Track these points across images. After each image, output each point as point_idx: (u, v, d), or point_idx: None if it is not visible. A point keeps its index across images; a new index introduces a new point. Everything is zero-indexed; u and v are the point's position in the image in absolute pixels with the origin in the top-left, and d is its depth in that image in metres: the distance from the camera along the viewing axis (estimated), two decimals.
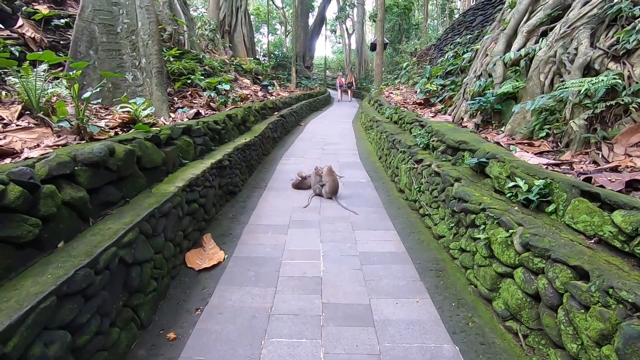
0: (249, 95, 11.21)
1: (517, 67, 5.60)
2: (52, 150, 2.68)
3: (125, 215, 2.81)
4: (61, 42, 5.99)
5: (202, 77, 8.53)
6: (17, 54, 4.61)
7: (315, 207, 5.42)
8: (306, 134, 12.35)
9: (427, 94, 10.06)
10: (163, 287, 3.08)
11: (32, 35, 5.36)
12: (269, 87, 14.54)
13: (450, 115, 7.28)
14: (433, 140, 5.40)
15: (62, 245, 2.30)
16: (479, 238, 3.23)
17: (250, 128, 8.17)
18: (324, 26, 35.12)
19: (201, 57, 11.28)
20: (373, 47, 24.88)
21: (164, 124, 4.88)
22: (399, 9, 29.36)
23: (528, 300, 2.58)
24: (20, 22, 5.47)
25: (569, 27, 4.72)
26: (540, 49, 5.15)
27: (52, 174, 2.35)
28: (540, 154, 4.22)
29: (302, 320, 2.84)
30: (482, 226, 3.26)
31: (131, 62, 5.61)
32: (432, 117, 8.03)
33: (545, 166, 3.51)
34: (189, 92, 7.99)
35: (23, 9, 5.84)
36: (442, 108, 8.33)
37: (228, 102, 8.36)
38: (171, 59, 8.52)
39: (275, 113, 11.82)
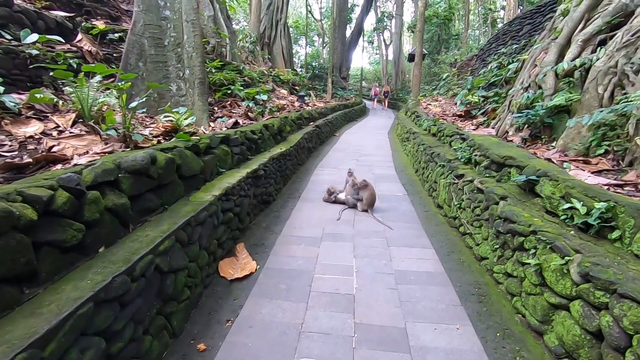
0: (285, 106, 11.37)
1: (571, 79, 5.21)
2: (99, 158, 2.79)
3: (163, 222, 2.85)
4: (114, 54, 6.38)
5: (242, 88, 8.75)
6: (74, 65, 4.95)
7: (348, 220, 5.31)
8: (341, 145, 12.30)
9: (468, 106, 9.68)
10: (196, 296, 3.09)
11: (89, 49, 5.76)
12: (306, 98, 14.70)
13: (493, 128, 6.93)
14: (476, 155, 5.13)
15: (103, 250, 2.35)
16: (529, 263, 2.97)
17: (286, 138, 8.24)
18: (361, 37, 35.22)
19: (241, 68, 11.63)
20: (411, 57, 24.56)
21: (204, 132, 5.00)
22: (439, 20, 28.87)
23: (587, 338, 2.30)
24: (79, 36, 5.90)
25: (633, 34, 4.34)
26: (598, 59, 4.76)
27: (97, 180, 2.43)
28: (598, 172, 3.86)
29: (334, 341, 2.72)
30: (532, 250, 2.99)
31: (176, 74, 5.85)
32: (474, 130, 7.69)
33: (605, 187, 3.18)
34: (229, 102, 8.21)
35: (82, 24, 6.30)
36: (485, 121, 7.96)
37: (265, 112, 8.51)
38: (213, 70, 8.83)
39: (311, 123, 11.88)
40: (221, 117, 6.42)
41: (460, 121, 9.28)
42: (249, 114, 7.68)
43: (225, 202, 3.92)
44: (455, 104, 11.62)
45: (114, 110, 3.64)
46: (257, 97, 8.77)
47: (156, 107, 5.72)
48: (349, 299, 3.29)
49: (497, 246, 3.63)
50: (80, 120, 3.61)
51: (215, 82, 8.77)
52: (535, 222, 3.12)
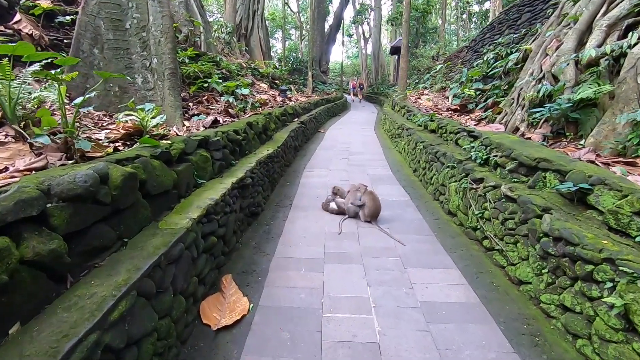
0: (267, 101, 10.47)
1: (597, 68, 4.65)
2: (18, 178, 1.90)
3: (120, 268, 2.00)
4: (65, 40, 5.33)
5: (220, 81, 7.80)
6: None
7: (351, 233, 4.56)
8: (327, 142, 11.53)
9: (464, 100, 9.13)
10: None
11: (30, 32, 4.70)
12: (288, 92, 13.81)
13: (501, 124, 6.35)
14: (495, 156, 4.49)
15: (16, 331, 1.50)
16: (604, 301, 2.32)
17: (271, 137, 7.39)
18: (340, 31, 34.44)
19: (218, 59, 10.62)
20: (393, 50, 24.04)
21: (177, 134, 4.11)
22: (417, 12, 28.42)
23: None
24: (17, 17, 4.82)
25: None
26: (632, 45, 4.21)
27: (6, 219, 1.55)
28: None
29: None
30: (609, 284, 2.34)
31: (141, 63, 4.89)
32: (475, 125, 7.11)
33: None
34: (205, 97, 7.26)
35: (22, 2, 5.20)
36: (486, 115, 7.40)
37: (247, 108, 7.61)
38: (186, 61, 7.83)
39: (295, 119, 11.04)
40: (197, 115, 5.51)
41: (457, 116, 8.71)
42: (230, 110, 6.77)
43: (207, 224, 3.09)
44: (447, 97, 11.09)
45: (51, 109, 2.71)
46: (238, 91, 7.86)
47: (118, 103, 4.77)
48: (373, 350, 2.55)
49: (545, 271, 2.98)
50: (5, 121, 2.66)
51: (190, 74, 7.78)
52: (606, 245, 2.47)
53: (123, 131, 3.49)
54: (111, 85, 4.81)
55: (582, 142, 4.40)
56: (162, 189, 2.85)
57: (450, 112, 9.33)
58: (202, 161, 3.77)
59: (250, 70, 14.45)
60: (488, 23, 10.02)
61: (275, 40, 42.62)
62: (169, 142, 3.29)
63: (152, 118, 3.49)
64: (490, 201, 4.03)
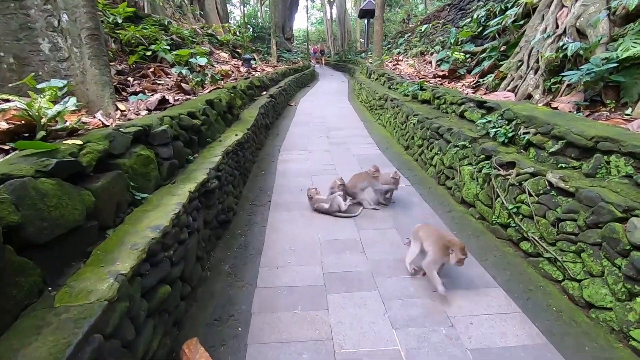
0: (230, 72, 9.01)
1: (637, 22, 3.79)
2: None
3: None
4: None
5: (168, 48, 6.31)
6: None
7: (352, 241, 3.59)
8: (301, 117, 10.33)
9: (454, 64, 8.19)
10: None
11: None
12: (252, 62, 12.25)
13: (508, 91, 5.48)
14: (527, 133, 3.59)
15: None
16: None
17: (238, 116, 6.12)
18: None
19: (166, 23, 8.91)
20: (363, 13, 22.48)
21: (103, 124, 2.84)
22: None
23: None
24: None
25: None
26: None
27: None
28: None
29: None
30: None
31: (45, 21, 3.44)
32: (473, 92, 6.22)
33: None
34: (152, 70, 5.81)
35: None
36: (484, 82, 6.51)
37: (206, 82, 6.24)
38: (121, 22, 6.22)
39: (264, 93, 9.69)
40: (138, 94, 4.17)
41: (447, 83, 7.79)
42: (183, 85, 5.41)
43: (151, 270, 1.96)
44: (430, 63, 10.11)
45: None
46: (193, 61, 6.41)
47: (16, 79, 3.35)
48: None
49: None
50: None
51: (129, 40, 6.22)
52: None
53: (7, 126, 2.21)
54: (2, 54, 3.37)
55: (627, 111, 3.59)
56: (63, 229, 1.68)
57: (437, 79, 8.38)
58: (141, 164, 2.56)
59: (207, 38, 12.63)
60: None
61: (233, 6, 39.24)
62: (79, 141, 2.06)
63: (48, 101, 2.22)
64: (530, 193, 3.16)
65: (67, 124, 2.35)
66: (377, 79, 11.58)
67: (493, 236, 3.60)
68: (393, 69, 11.38)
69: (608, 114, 3.70)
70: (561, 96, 4.40)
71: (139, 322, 1.75)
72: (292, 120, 9.93)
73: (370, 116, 10.14)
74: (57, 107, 2.24)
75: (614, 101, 3.78)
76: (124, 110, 3.54)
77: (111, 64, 5.09)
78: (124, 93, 4.36)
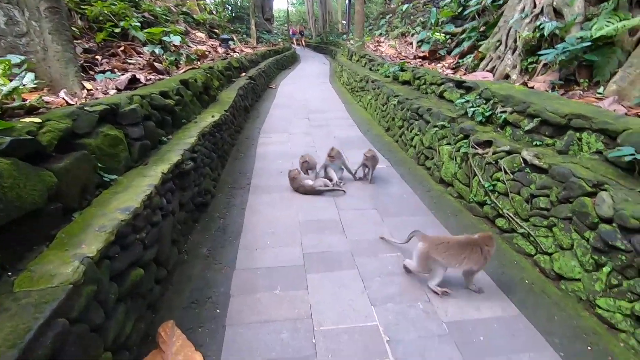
0: (207, 52, 8.70)
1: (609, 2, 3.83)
2: None
3: None
4: None
5: (138, 25, 6.00)
6: None
7: (332, 221, 3.59)
8: (281, 99, 10.14)
9: (433, 45, 8.15)
10: None
11: None
12: (230, 42, 11.85)
13: (487, 71, 5.51)
14: (503, 112, 3.62)
15: None
16: None
17: (215, 97, 5.93)
18: None
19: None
20: None
21: (67, 103, 2.68)
22: None
23: None
24: None
25: None
26: None
27: None
28: None
29: None
30: None
31: None
32: (452, 73, 6.23)
33: None
34: (122, 48, 5.53)
35: None
36: (463, 62, 6.52)
37: (181, 62, 6.00)
38: None
39: (243, 74, 9.43)
40: (105, 72, 3.96)
41: (427, 64, 7.76)
42: (156, 64, 5.18)
43: (122, 253, 1.89)
44: (412, 44, 10.04)
45: None
46: (166, 39, 6.13)
47: None
48: None
49: (609, 269, 2.25)
50: None
51: (97, 17, 5.87)
52: None
53: None
54: None
55: (600, 90, 3.66)
56: (21, 211, 1.58)
57: (418, 60, 8.34)
58: (109, 145, 2.44)
59: (182, 17, 12.09)
60: None
61: None
62: (38, 119, 1.93)
63: (6, 78, 2.06)
64: (506, 171, 3.21)
65: (27, 102, 2.20)
66: (358, 60, 11.45)
67: (470, 214, 3.67)
68: (374, 51, 11.26)
69: (581, 92, 3.77)
70: (537, 75, 4.45)
71: (108, 306, 1.69)
72: (273, 102, 9.74)
73: (351, 98, 10.05)
74: (13, 84, 2.09)
75: (587, 80, 3.85)
76: (91, 90, 3.35)
77: (77, 41, 4.80)
78: (91, 72, 4.13)
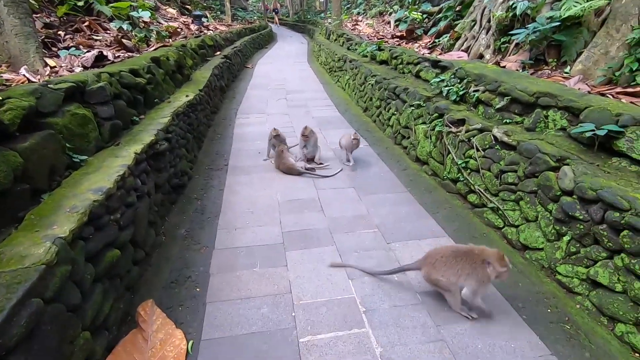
0: (179, 29, 8.34)
1: None
2: None
3: None
4: None
5: None
6: None
7: (311, 200, 3.63)
8: (258, 79, 9.94)
9: (410, 25, 8.14)
10: None
11: None
12: (204, 19, 11.40)
13: (462, 51, 5.58)
14: (476, 91, 3.71)
15: None
16: None
17: (189, 77, 5.75)
18: None
19: None
20: None
21: (28, 80, 2.55)
22: None
23: None
24: None
25: None
26: None
27: None
28: None
29: None
30: None
31: None
32: (429, 53, 6.28)
33: None
34: (86, 23, 5.22)
35: None
36: (439, 42, 6.56)
37: (151, 39, 5.75)
38: None
39: (217, 53, 9.15)
40: (70, 48, 3.75)
41: (405, 43, 7.76)
42: (125, 41, 4.94)
43: (96, 233, 1.86)
44: (389, 23, 9.98)
45: None
46: (134, 14, 5.83)
47: None
48: None
49: (568, 238, 2.41)
50: None
51: None
52: None
53: None
54: None
55: (567, 69, 3.80)
56: None
57: (395, 39, 8.32)
58: (77, 124, 2.36)
59: None
60: None
61: None
62: None
63: None
64: (477, 148, 3.33)
65: None
66: (336, 39, 11.30)
67: (444, 191, 3.80)
68: (352, 30, 11.12)
69: (550, 72, 3.90)
70: (509, 55, 4.56)
71: (85, 287, 1.68)
72: (250, 82, 9.54)
73: (329, 78, 9.97)
74: None
75: (555, 60, 3.98)
76: (55, 67, 3.19)
77: (37, 15, 4.50)
78: (54, 49, 3.91)
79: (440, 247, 2.35)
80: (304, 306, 2.29)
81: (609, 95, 2.97)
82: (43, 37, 3.89)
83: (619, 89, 3.24)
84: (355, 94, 7.39)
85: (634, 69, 3.26)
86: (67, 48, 3.80)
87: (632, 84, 3.25)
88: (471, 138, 3.43)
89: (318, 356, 1.96)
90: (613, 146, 2.44)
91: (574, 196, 2.35)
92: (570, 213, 2.34)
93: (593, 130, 2.45)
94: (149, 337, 1.99)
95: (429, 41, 7.17)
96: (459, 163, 3.54)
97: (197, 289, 2.43)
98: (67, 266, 1.53)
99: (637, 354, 1.96)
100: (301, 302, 2.33)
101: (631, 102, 2.85)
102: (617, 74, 3.37)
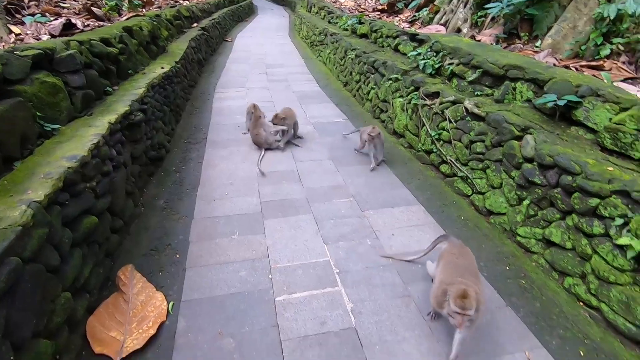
0: None
1: None
2: None
3: None
4: None
5: None
6: None
7: (290, 172, 3.70)
8: (238, 53, 9.72)
9: None
10: None
11: None
12: None
13: (441, 25, 5.61)
14: (451, 64, 3.79)
15: None
16: (614, 242, 1.96)
17: (165, 48, 5.59)
18: None
19: None
20: None
21: None
22: None
23: None
24: None
25: None
26: None
27: None
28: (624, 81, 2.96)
29: None
30: (619, 220, 1.97)
31: None
32: (409, 26, 6.28)
33: None
34: None
35: None
36: (419, 16, 6.56)
37: (123, 7, 5.52)
38: None
39: (195, 25, 8.85)
40: (36, 15, 3.60)
41: (385, 17, 7.72)
42: (94, 9, 4.74)
43: (72, 200, 1.89)
44: None
45: None
46: None
47: None
48: (351, 340, 1.94)
49: (528, 202, 2.58)
50: None
51: None
52: (614, 174, 2.05)
53: None
54: None
55: (537, 43, 3.91)
56: None
57: (377, 12, 8.25)
58: (47, 93, 2.32)
59: None
60: None
61: None
62: None
63: None
64: (450, 120, 3.44)
65: None
66: (317, 12, 11.07)
67: (418, 162, 3.93)
68: (334, 2, 10.91)
69: (522, 46, 4.01)
70: (485, 29, 4.63)
71: (63, 250, 1.73)
72: (229, 56, 9.32)
73: (310, 53, 9.84)
74: None
75: (527, 34, 4.08)
76: (20, 34, 3.07)
77: None
78: (18, 15, 3.74)
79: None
80: (280, 269, 2.41)
81: (573, 68, 3.11)
82: (5, 2, 3.71)
83: (583, 62, 3.39)
84: (335, 68, 7.35)
85: (598, 43, 3.40)
86: (32, 15, 3.64)
87: (597, 57, 3.40)
88: (444, 110, 3.54)
89: (293, 312, 2.09)
90: (572, 116, 2.59)
91: (534, 163, 2.51)
92: (530, 179, 2.51)
93: (554, 101, 2.59)
94: (130, 299, 2.07)
95: (410, 15, 7.15)
96: (432, 135, 3.66)
97: (177, 256, 2.51)
98: (44, 229, 1.57)
99: (581, 303, 2.18)
100: (278, 265, 2.44)
101: (593, 75, 3.00)
102: (583, 47, 3.51)
